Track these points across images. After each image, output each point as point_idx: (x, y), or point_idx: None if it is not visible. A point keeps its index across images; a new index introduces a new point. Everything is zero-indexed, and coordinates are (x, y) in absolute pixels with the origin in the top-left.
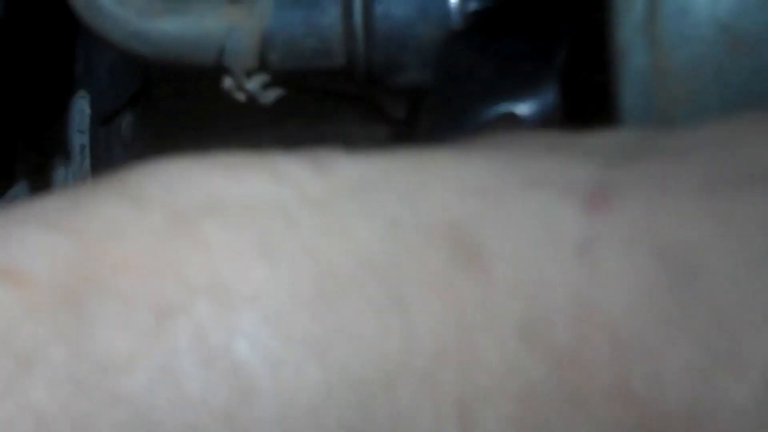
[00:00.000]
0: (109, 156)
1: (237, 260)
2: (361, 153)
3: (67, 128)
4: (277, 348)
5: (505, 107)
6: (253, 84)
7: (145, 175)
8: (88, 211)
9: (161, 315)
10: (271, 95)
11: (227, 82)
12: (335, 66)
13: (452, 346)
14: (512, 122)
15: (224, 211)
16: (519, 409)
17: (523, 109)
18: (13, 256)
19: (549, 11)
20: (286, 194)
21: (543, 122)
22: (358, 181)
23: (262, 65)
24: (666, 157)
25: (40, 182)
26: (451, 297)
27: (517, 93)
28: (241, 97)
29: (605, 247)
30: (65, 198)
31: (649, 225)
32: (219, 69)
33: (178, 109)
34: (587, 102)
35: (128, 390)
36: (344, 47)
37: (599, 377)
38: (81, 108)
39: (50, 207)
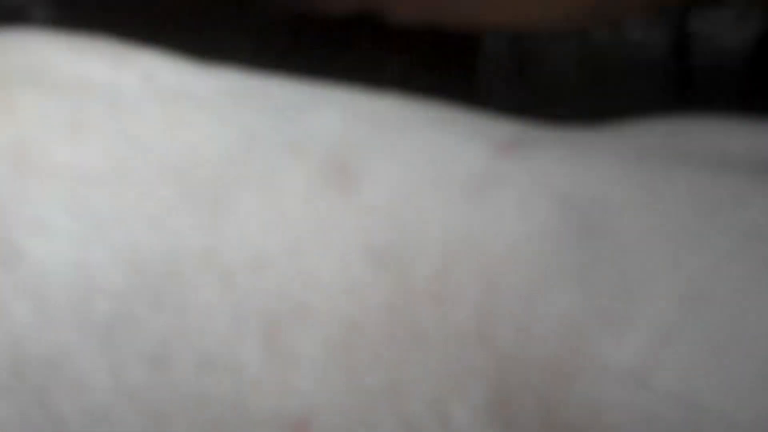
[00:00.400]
0: None
1: (42, 130)
2: (269, 75)
3: None
4: (58, 219)
5: None
6: None
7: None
8: None
9: None
10: None
11: None
12: None
13: (276, 257)
14: None
15: (47, 83)
16: (346, 334)
17: None
18: None
19: None
20: (128, 82)
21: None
22: (230, 91)
23: None
24: (597, 133)
25: None
26: (294, 210)
27: None
28: None
29: (503, 188)
30: None
31: (558, 174)
32: None
33: None
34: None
35: None
36: None
37: (458, 317)
38: None
39: None
